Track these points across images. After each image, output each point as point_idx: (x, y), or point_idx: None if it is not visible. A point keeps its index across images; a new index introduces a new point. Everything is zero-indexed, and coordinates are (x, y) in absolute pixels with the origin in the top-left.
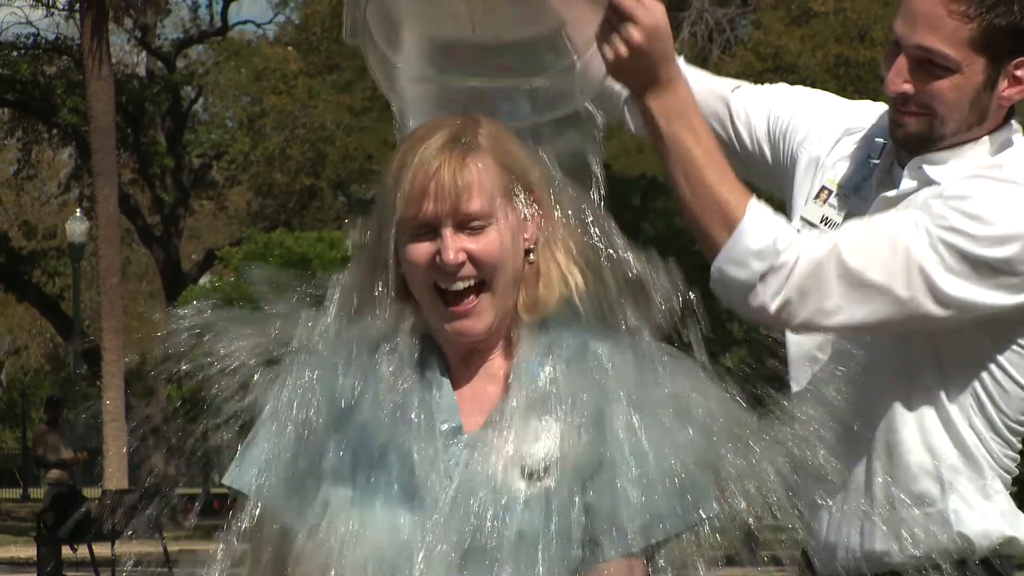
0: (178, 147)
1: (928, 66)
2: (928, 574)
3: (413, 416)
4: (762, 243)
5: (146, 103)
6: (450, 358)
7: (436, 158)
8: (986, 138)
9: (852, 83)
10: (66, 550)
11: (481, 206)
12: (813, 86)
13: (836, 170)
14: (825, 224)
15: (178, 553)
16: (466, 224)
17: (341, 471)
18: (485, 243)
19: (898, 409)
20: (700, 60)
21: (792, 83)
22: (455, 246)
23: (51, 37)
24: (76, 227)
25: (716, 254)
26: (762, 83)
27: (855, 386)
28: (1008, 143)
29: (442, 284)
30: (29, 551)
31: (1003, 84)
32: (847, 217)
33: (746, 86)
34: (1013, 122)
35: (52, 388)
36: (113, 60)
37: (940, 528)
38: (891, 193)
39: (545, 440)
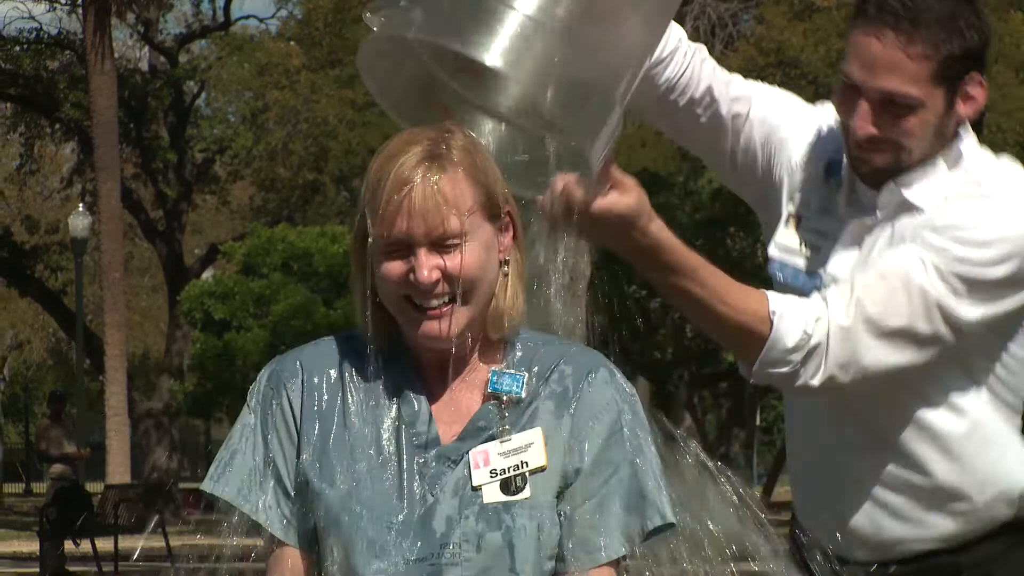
0: (181, 142)
1: (891, 107)
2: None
3: (390, 427)
4: (795, 339)
5: (149, 98)
6: (426, 369)
7: (410, 176)
8: (950, 149)
9: None
10: (69, 544)
11: (455, 225)
12: (816, 80)
13: (801, 192)
14: (805, 248)
15: (180, 547)
16: (440, 242)
17: (321, 483)
18: (459, 261)
19: (931, 413)
20: None
21: (795, 78)
22: (429, 264)
23: (54, 32)
24: (79, 222)
25: (752, 361)
26: (765, 79)
27: (877, 394)
28: (960, 154)
29: (416, 300)
30: (32, 546)
31: (959, 104)
32: (823, 238)
33: (748, 96)
34: (960, 129)
35: (55, 383)
36: (116, 55)
37: (988, 511)
38: (867, 220)
39: (523, 452)
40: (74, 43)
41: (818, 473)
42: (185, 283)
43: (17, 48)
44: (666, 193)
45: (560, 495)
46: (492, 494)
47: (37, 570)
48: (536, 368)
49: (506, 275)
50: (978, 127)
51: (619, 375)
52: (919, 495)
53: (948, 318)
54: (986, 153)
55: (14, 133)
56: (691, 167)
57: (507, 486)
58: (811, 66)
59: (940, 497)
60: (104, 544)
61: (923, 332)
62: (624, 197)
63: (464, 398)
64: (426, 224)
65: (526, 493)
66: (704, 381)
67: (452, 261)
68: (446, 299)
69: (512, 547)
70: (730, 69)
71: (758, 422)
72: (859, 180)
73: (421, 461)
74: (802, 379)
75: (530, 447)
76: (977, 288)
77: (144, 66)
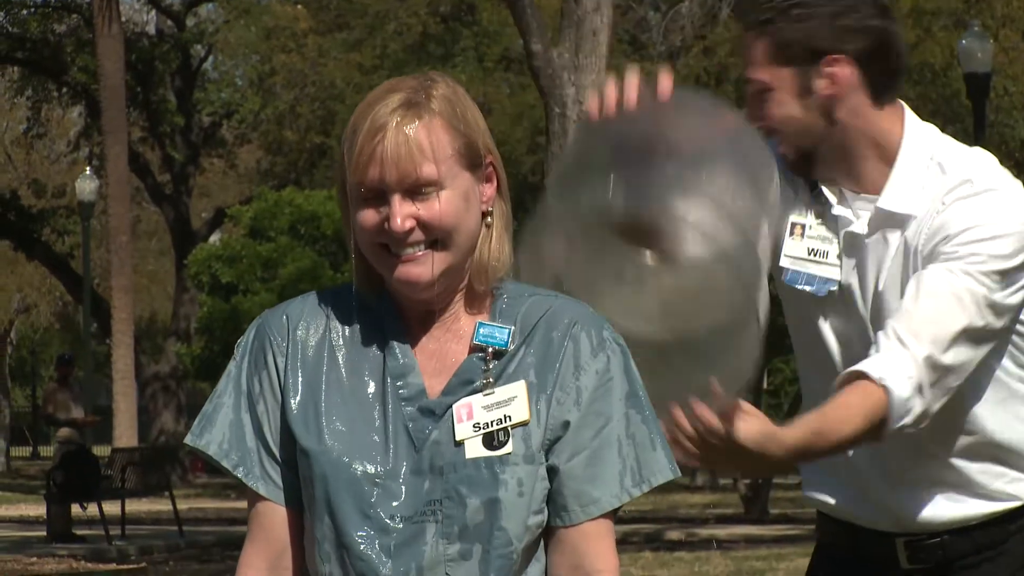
0: (188, 105)
1: (757, 97)
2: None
3: (376, 380)
4: (908, 390)
5: (156, 61)
6: (412, 320)
7: (385, 123)
8: (903, 144)
9: None
10: (76, 508)
11: (429, 172)
12: None
13: (797, 204)
14: (814, 255)
15: (187, 511)
16: (415, 190)
17: (307, 439)
18: (435, 209)
19: (978, 393)
20: (710, 18)
21: None
22: (403, 213)
23: None
24: (86, 185)
25: (882, 433)
26: None
27: None
28: (930, 151)
29: (392, 249)
30: (39, 509)
31: (820, 85)
32: (827, 242)
33: None
34: (905, 114)
35: (62, 346)
36: (123, 18)
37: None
38: (857, 230)
39: (506, 405)
40: (81, 6)
41: (866, 469)
42: (192, 247)
43: (24, 12)
44: None
45: (550, 449)
46: (475, 449)
47: (44, 533)
48: (521, 319)
49: (489, 226)
50: (985, 90)
51: (607, 327)
52: (976, 475)
53: (995, 309)
54: (955, 144)
55: (21, 97)
56: None
57: (490, 440)
58: None
59: (995, 472)
60: (111, 507)
61: (980, 327)
62: (749, 423)
63: (450, 350)
64: (399, 171)
65: (508, 448)
66: None
67: (427, 209)
68: (422, 247)
69: (496, 503)
70: (738, 33)
71: (765, 385)
72: (804, 183)
73: (407, 415)
74: (912, 417)
75: (513, 400)
76: (1007, 277)
77: (151, 30)
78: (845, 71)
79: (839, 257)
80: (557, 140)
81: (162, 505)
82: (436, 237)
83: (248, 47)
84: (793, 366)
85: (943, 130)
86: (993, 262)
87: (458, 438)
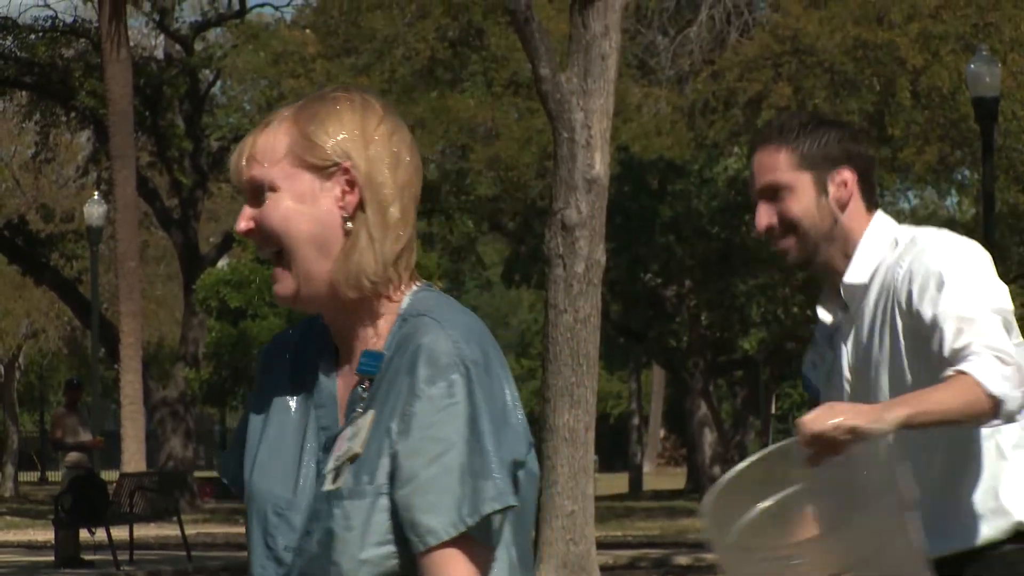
0: (196, 130)
1: (773, 195)
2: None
3: (302, 409)
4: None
5: (164, 86)
6: (340, 349)
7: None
8: (866, 232)
9: (870, 65)
10: (84, 533)
11: (255, 174)
12: (831, 68)
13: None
14: (813, 365)
15: (196, 536)
16: (255, 194)
17: (247, 465)
18: (264, 211)
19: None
20: (718, 43)
21: (810, 66)
22: (245, 215)
23: (69, 20)
24: (94, 210)
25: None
26: (780, 66)
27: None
28: (892, 225)
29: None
30: (47, 534)
31: (832, 188)
32: (829, 348)
33: None
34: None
35: (70, 371)
36: (131, 43)
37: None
38: (833, 320)
39: (354, 438)
40: (89, 31)
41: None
42: (200, 271)
43: (32, 36)
44: (683, 181)
45: (384, 476)
46: (328, 483)
47: (52, 558)
48: (396, 344)
49: (348, 233)
50: (993, 114)
51: (460, 348)
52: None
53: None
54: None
55: (29, 121)
56: (707, 155)
57: (336, 475)
58: (827, 54)
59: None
60: (119, 533)
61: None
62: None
63: (353, 380)
64: (235, 175)
65: (340, 482)
66: (719, 369)
67: (260, 212)
68: (273, 251)
69: (330, 537)
70: (746, 57)
71: (773, 410)
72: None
73: (321, 445)
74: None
75: (359, 432)
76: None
77: (159, 54)
78: (851, 178)
79: (835, 354)
80: (565, 165)
81: (170, 530)
82: (275, 243)
83: (256, 72)
84: (801, 391)
85: (951, 154)
86: (975, 268)
87: (324, 471)
